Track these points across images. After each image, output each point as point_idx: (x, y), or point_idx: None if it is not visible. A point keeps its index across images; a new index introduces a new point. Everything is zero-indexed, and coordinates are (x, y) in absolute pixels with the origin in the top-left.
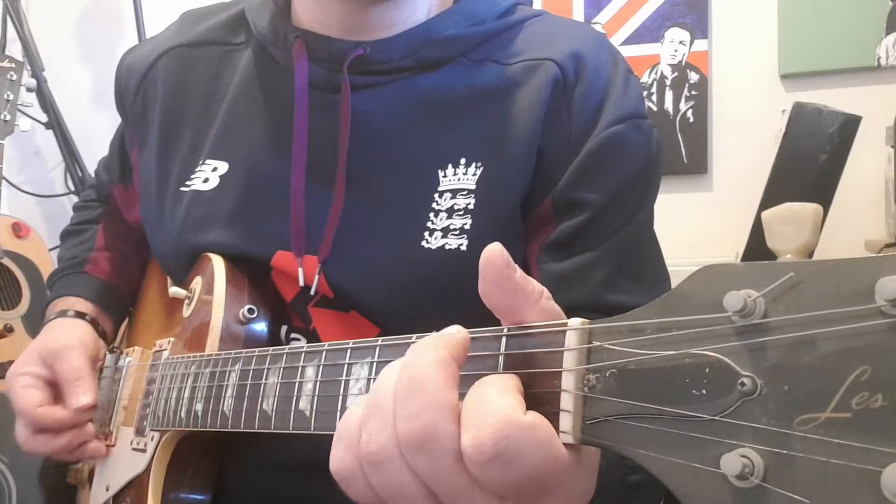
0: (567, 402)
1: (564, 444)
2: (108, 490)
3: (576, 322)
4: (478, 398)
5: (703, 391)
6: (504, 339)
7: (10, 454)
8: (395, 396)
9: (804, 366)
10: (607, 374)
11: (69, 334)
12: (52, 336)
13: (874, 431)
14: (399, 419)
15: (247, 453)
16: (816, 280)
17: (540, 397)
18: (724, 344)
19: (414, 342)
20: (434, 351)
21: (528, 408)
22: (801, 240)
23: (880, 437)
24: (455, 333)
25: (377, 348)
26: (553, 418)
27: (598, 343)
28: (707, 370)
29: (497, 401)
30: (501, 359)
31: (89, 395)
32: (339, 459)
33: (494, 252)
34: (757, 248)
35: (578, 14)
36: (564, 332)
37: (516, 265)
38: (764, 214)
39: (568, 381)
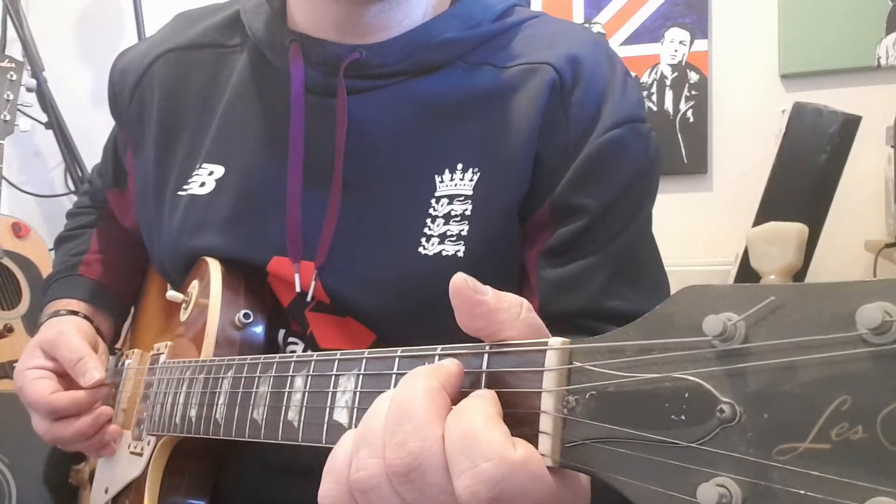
0: (546, 423)
1: (549, 468)
2: (106, 492)
3: (556, 342)
4: (464, 433)
5: (683, 416)
6: (486, 357)
7: (10, 454)
8: (385, 425)
9: (784, 393)
10: (587, 396)
11: (63, 325)
12: (47, 331)
13: (853, 465)
14: (387, 447)
15: (243, 456)
16: (798, 305)
17: (519, 417)
18: (704, 368)
19: (399, 355)
20: (424, 380)
21: (508, 427)
22: (785, 260)
23: (859, 471)
24: (448, 365)
25: (364, 360)
26: (532, 440)
27: (578, 364)
28: (686, 395)
29: (486, 436)
30: (483, 376)
31: (97, 370)
32: (328, 493)
33: (459, 280)
34: None
35: (578, 14)
36: (545, 351)
37: (487, 287)
38: (748, 233)
39: (547, 403)
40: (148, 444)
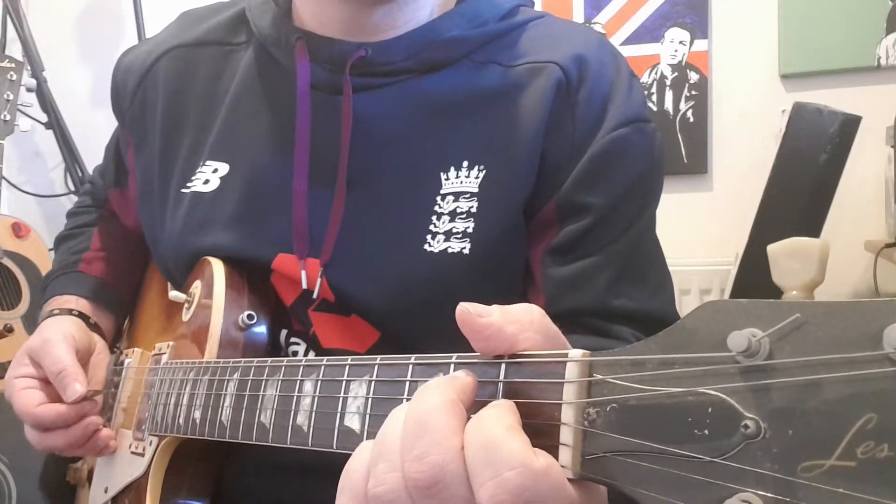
0: (567, 435)
1: (570, 480)
2: (106, 492)
3: (576, 353)
4: (485, 443)
5: (706, 431)
6: (503, 367)
7: (10, 454)
8: (403, 438)
9: (809, 410)
10: (608, 409)
11: (51, 331)
12: (36, 337)
13: (879, 483)
14: (406, 461)
15: (245, 455)
16: (823, 322)
17: (539, 429)
18: (728, 384)
19: (413, 362)
20: (441, 393)
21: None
22: (808, 276)
23: (885, 490)
24: (463, 376)
25: (376, 367)
26: (552, 451)
27: (599, 376)
28: (710, 410)
29: (509, 445)
30: (500, 386)
31: (78, 385)
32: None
33: (461, 310)
34: (757, 249)
35: (578, 14)
36: (565, 363)
37: (492, 307)
38: (769, 248)
39: (568, 415)
40: (150, 445)
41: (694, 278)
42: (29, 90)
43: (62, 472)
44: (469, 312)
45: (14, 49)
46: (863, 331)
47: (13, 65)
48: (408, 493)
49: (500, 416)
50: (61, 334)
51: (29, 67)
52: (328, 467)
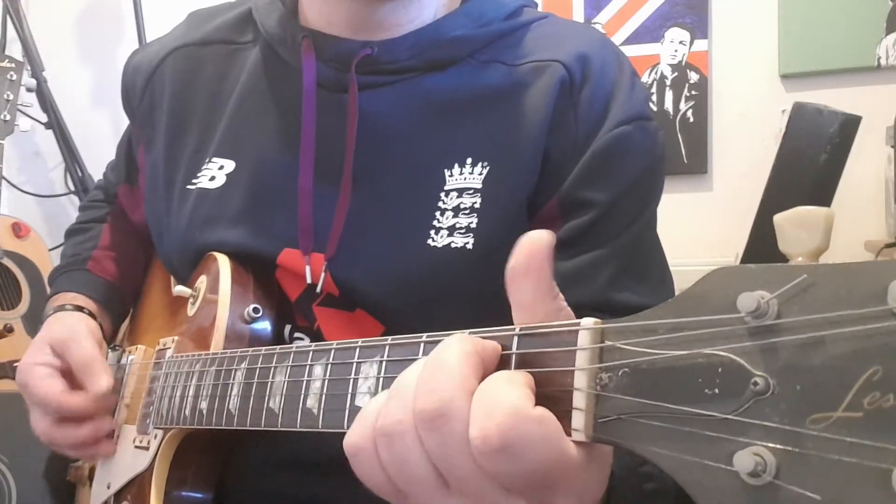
0: (579, 400)
1: (577, 441)
2: (108, 488)
3: (588, 322)
4: (487, 390)
5: (716, 390)
6: (516, 339)
7: (10, 454)
8: (419, 378)
9: (816, 366)
10: (620, 374)
11: (74, 324)
12: (57, 327)
13: (886, 430)
14: (417, 395)
15: (249, 451)
16: (829, 282)
17: (552, 396)
18: (737, 344)
19: (424, 340)
20: (462, 344)
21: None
22: (814, 244)
23: (892, 436)
24: (486, 341)
25: (386, 347)
26: (565, 416)
27: (610, 343)
28: (720, 370)
29: (506, 393)
30: (513, 357)
31: (107, 378)
32: (355, 434)
33: (546, 234)
34: (757, 248)
35: (578, 14)
36: (577, 331)
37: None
38: (776, 218)
39: (580, 380)
40: (154, 438)
41: (694, 278)
42: (29, 90)
43: (62, 470)
44: (551, 242)
45: (14, 49)
46: (868, 288)
47: (13, 65)
48: (413, 424)
49: (508, 375)
50: (86, 328)
51: (29, 67)
52: (331, 464)
